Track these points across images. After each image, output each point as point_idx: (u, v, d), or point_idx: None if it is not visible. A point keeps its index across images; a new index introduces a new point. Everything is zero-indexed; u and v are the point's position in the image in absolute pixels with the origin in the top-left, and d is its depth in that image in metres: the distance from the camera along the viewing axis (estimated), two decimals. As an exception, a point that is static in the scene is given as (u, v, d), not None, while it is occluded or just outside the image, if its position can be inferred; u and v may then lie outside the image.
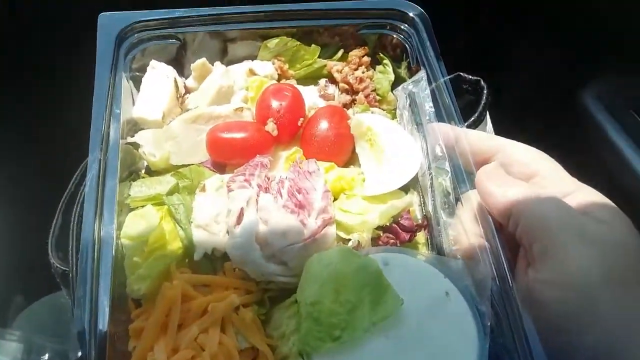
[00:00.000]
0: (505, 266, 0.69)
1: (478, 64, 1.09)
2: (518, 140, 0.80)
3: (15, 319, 1.01)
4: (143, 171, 0.87)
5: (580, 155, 1.40)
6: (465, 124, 1.00)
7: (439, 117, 0.85)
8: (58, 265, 0.79)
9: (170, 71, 0.93)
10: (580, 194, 0.71)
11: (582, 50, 1.35)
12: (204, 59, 0.94)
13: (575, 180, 0.74)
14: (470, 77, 1.06)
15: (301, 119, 0.87)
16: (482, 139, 0.80)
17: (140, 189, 0.79)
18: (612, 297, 0.62)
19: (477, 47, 1.44)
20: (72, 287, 0.75)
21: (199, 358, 0.66)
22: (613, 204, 0.70)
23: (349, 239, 0.77)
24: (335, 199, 0.81)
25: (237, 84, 0.94)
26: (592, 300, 0.63)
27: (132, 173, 0.84)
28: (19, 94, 1.23)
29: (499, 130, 1.15)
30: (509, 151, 0.77)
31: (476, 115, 1.04)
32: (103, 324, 0.64)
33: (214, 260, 0.76)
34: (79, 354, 0.63)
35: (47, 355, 0.71)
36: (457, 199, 0.79)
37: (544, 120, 1.49)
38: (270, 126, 0.84)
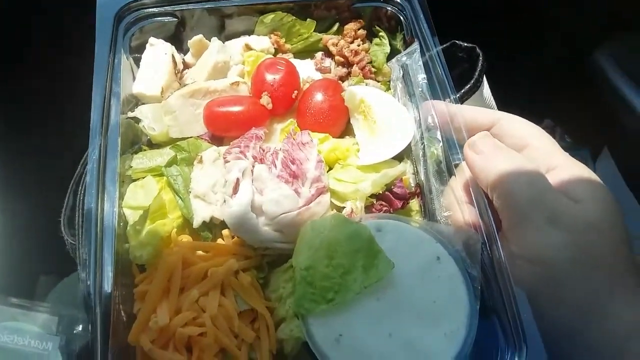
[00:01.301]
0: (495, 232, 0.71)
1: (477, 32, 1.09)
2: (522, 109, 0.81)
3: (48, 294, 1.06)
4: (145, 144, 0.89)
5: (589, 118, 1.41)
6: (461, 92, 1.02)
7: (432, 88, 0.86)
8: (71, 242, 0.83)
9: (168, 48, 0.95)
10: (565, 170, 0.72)
11: (592, 12, 1.34)
12: (200, 36, 0.96)
13: (566, 155, 0.75)
14: (465, 44, 1.07)
15: (295, 92, 0.89)
16: (478, 113, 0.81)
17: (141, 160, 0.82)
18: (578, 276, 0.65)
19: (476, 13, 1.43)
20: (79, 259, 0.79)
21: (200, 319, 0.69)
22: (597, 181, 0.71)
23: (343, 207, 0.79)
24: (330, 169, 0.83)
25: (233, 59, 0.96)
26: (558, 278, 0.65)
27: (134, 145, 0.87)
28: (26, 77, 1.25)
29: (500, 99, 1.16)
30: (504, 124, 0.78)
31: (472, 82, 1.04)
32: (107, 287, 0.68)
33: (212, 228, 0.78)
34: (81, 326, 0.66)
35: (80, 327, 0.75)
36: (449, 168, 0.81)
37: (551, 85, 1.49)
38: (265, 99, 0.86)
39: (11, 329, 0.73)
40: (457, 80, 0.90)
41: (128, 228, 0.75)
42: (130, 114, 0.87)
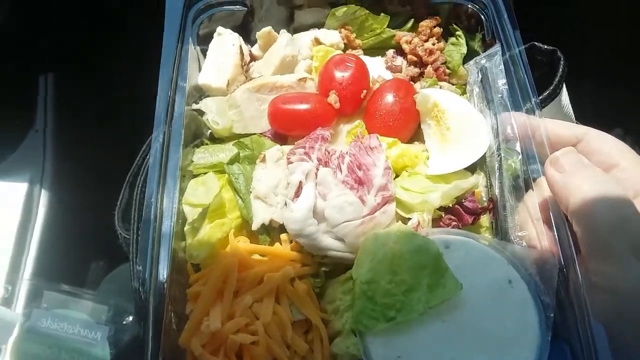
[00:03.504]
0: (575, 257, 0.65)
1: (559, 36, 1.02)
2: (603, 119, 0.74)
3: (101, 283, 1.08)
4: (207, 138, 0.88)
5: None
6: (539, 98, 0.95)
7: (512, 93, 0.80)
8: (125, 235, 0.82)
9: (236, 38, 0.92)
10: None
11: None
12: (269, 28, 0.93)
13: None
14: (545, 47, 0.99)
15: (364, 91, 0.84)
16: (561, 128, 0.74)
17: (202, 155, 0.80)
18: None
19: (558, 17, 1.34)
20: (131, 254, 0.78)
21: (253, 326, 0.67)
22: None
23: (409, 218, 0.75)
24: (396, 176, 0.79)
25: (302, 53, 0.93)
26: (636, 310, 0.59)
27: (196, 139, 0.86)
28: (89, 66, 1.27)
29: (578, 107, 1.08)
30: (591, 140, 0.72)
31: (551, 88, 0.97)
32: (162, 286, 0.66)
33: (271, 231, 0.76)
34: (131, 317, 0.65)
35: (130, 318, 0.75)
36: (527, 183, 0.74)
37: (621, 92, 1.38)
38: (333, 98, 0.82)
39: (61, 317, 0.74)
40: (535, 84, 0.83)
41: (186, 225, 0.73)
42: (194, 106, 0.85)
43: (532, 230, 0.71)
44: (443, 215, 0.76)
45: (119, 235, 0.83)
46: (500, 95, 0.81)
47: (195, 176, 0.79)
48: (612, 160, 0.69)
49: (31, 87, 1.27)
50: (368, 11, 0.96)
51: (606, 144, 0.71)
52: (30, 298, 0.77)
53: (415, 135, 0.86)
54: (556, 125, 0.75)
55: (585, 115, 1.06)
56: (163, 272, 0.67)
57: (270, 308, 0.68)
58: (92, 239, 1.12)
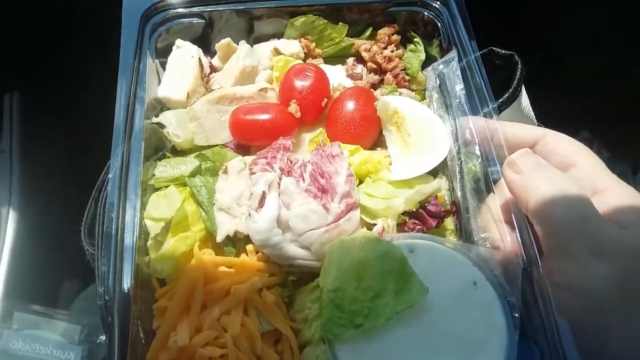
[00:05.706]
0: (537, 257, 0.67)
1: (516, 40, 1.04)
2: (562, 122, 0.76)
3: (72, 303, 1.05)
4: (169, 151, 0.86)
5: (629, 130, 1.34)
6: (499, 102, 0.97)
7: (470, 98, 0.82)
8: (91, 251, 0.81)
9: (195, 50, 0.91)
10: (612, 193, 0.67)
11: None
12: (228, 39, 0.93)
13: (614, 177, 0.70)
14: (503, 51, 1.01)
15: (325, 100, 0.85)
16: (519, 130, 0.76)
17: (164, 169, 0.79)
18: (626, 310, 0.60)
19: (515, 21, 1.37)
20: (97, 269, 0.76)
21: (221, 339, 0.66)
22: None
23: (374, 224, 0.75)
24: (360, 183, 0.79)
25: (262, 64, 0.92)
26: (603, 311, 0.60)
27: (158, 152, 0.85)
28: (50, 80, 1.24)
29: (538, 110, 1.11)
30: (549, 141, 0.73)
31: (510, 92, 0.99)
32: (126, 302, 0.65)
33: (236, 242, 0.75)
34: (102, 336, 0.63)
35: (103, 336, 0.73)
36: (488, 185, 0.76)
37: (588, 95, 1.42)
38: (293, 107, 0.82)
39: (33, 338, 0.73)
40: (495, 89, 0.85)
41: (149, 240, 0.72)
42: (154, 120, 0.84)
43: (495, 232, 0.72)
44: (407, 220, 0.77)
45: (85, 252, 0.81)
46: (458, 100, 0.83)
47: (157, 190, 0.78)
48: (570, 160, 0.71)
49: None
50: (326, 20, 0.96)
51: (563, 144, 0.73)
52: (0, 320, 0.75)
53: (378, 142, 0.87)
54: (514, 127, 0.76)
55: (551, 118, 1.08)
56: (127, 287, 0.66)
57: (238, 320, 0.67)
58: (64, 257, 1.09)
